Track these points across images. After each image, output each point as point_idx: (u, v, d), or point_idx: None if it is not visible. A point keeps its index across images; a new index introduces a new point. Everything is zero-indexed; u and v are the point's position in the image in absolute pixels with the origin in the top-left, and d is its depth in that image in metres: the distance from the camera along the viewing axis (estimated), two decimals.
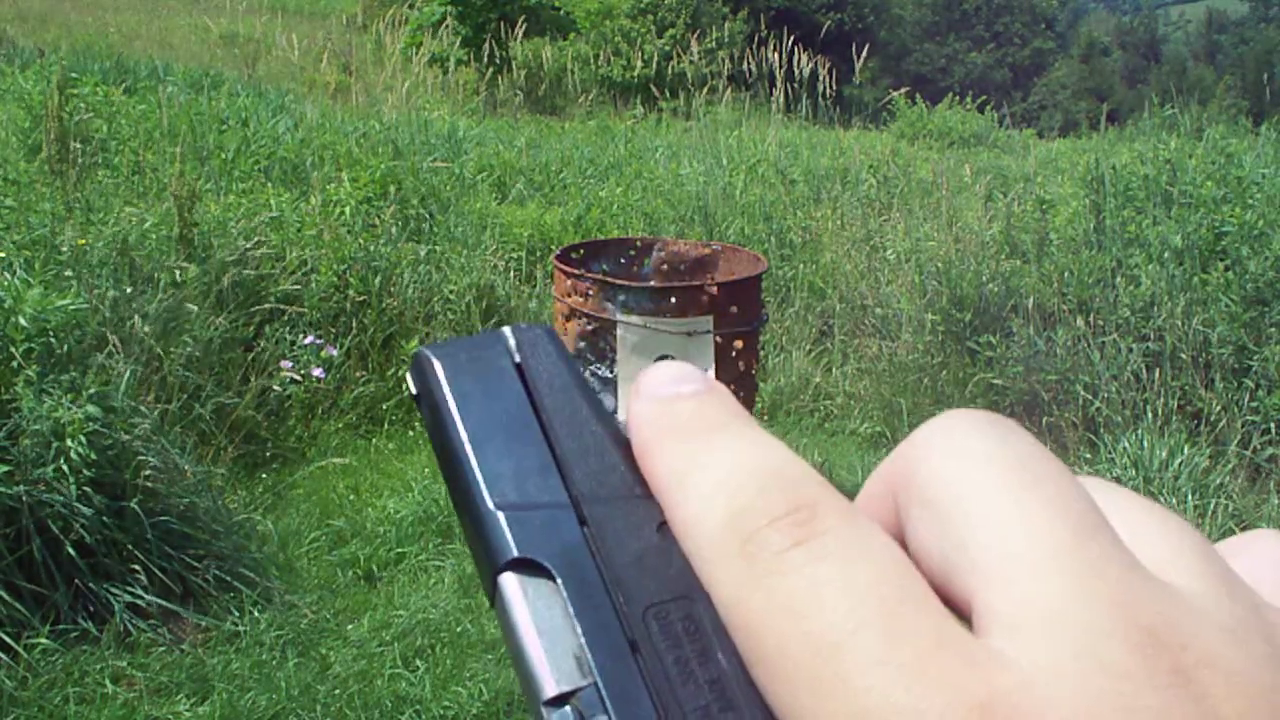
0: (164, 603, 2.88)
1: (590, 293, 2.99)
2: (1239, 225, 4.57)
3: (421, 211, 5.77)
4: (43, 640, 2.68)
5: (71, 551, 2.79)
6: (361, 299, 4.64)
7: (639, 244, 3.56)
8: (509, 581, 0.21)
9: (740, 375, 3.04)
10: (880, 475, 0.22)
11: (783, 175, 7.17)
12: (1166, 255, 4.71)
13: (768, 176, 7.14)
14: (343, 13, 16.07)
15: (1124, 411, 4.25)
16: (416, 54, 9.94)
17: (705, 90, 11.02)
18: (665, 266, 3.47)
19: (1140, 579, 0.18)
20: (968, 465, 0.20)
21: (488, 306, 4.93)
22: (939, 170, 6.70)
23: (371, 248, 4.89)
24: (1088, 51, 29.12)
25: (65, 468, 2.80)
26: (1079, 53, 28.72)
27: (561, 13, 15.91)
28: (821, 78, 9.48)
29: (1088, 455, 4.16)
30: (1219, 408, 4.17)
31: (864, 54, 10.27)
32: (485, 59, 11.94)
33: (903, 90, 12.92)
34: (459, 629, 2.98)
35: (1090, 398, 4.33)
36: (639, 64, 14.36)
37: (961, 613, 0.19)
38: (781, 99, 9.18)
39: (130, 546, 2.91)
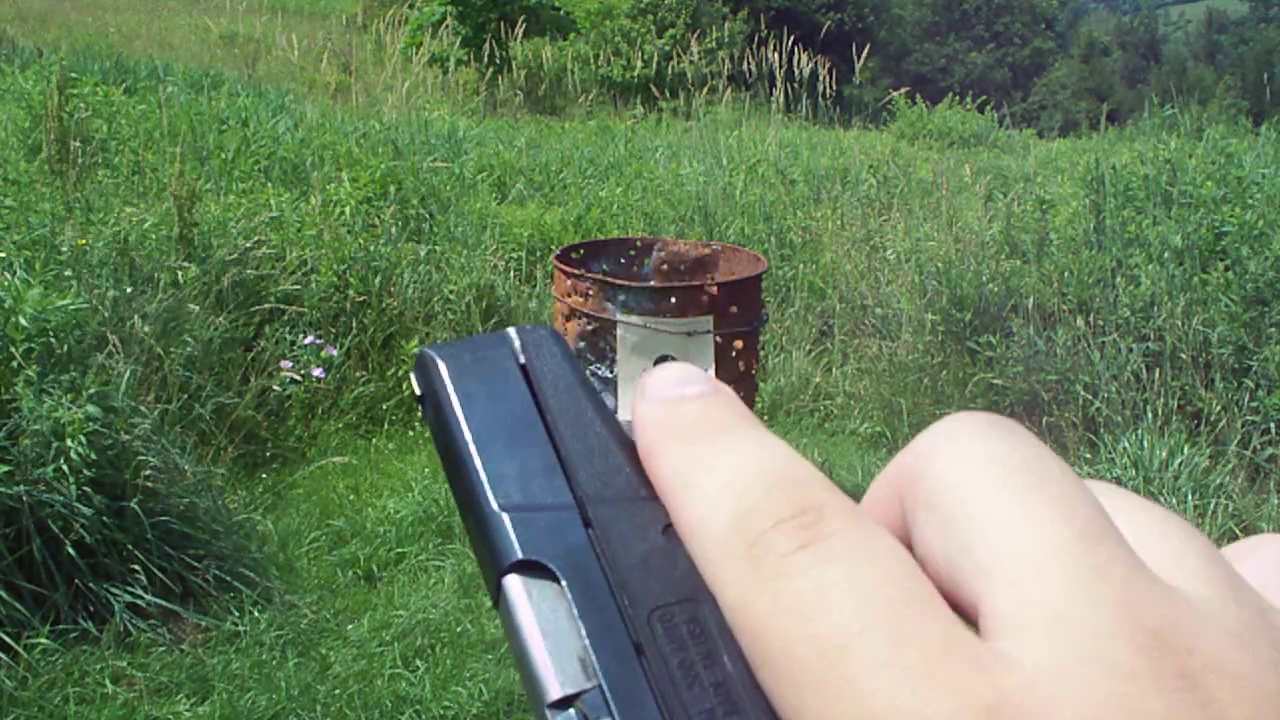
0: (164, 603, 2.88)
1: (590, 293, 2.99)
2: (1239, 225, 4.57)
3: (421, 211, 5.77)
4: (43, 640, 2.68)
5: (71, 551, 2.79)
6: (361, 299, 4.64)
7: (639, 244, 3.56)
8: (513, 583, 0.20)
9: (740, 375, 3.04)
10: (885, 478, 0.22)
11: (783, 175, 7.17)
12: (1166, 255, 4.72)
13: (768, 176, 7.14)
14: (343, 13, 16.07)
15: (1124, 411, 4.25)
16: (416, 54, 9.94)
17: (705, 90, 11.02)
18: (665, 266, 3.47)
19: (1146, 582, 0.18)
20: (973, 468, 0.20)
21: (488, 306, 4.93)
22: (939, 170, 6.70)
23: (371, 248, 4.89)
24: (1088, 51, 29.12)
25: (65, 468, 2.80)
26: (1079, 53, 28.73)
27: (561, 13, 15.92)
28: (821, 78, 9.48)
29: (1088, 455, 4.16)
30: (1219, 408, 4.17)
31: (864, 54, 10.27)
32: (485, 59, 11.94)
33: (903, 90, 12.92)
34: (459, 629, 2.98)
35: (1090, 398, 4.33)
36: (639, 64, 14.36)
37: (967, 616, 0.19)
38: (781, 99, 9.18)
39: (130, 546, 2.91)
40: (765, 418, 4.75)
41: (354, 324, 4.59)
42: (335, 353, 4.44)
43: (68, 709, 2.53)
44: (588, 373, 2.95)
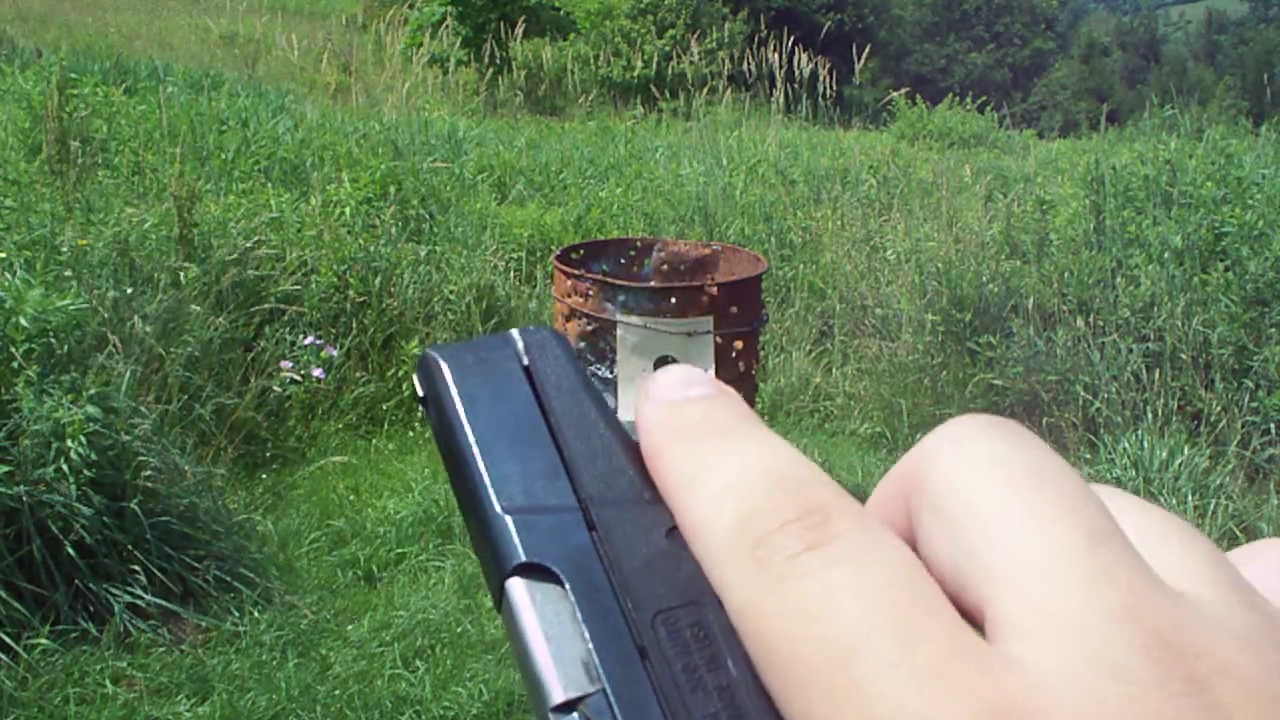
0: (164, 603, 2.88)
1: (590, 293, 2.99)
2: (1239, 225, 4.57)
3: (421, 212, 5.77)
4: (43, 640, 2.68)
5: (71, 552, 2.79)
6: (361, 299, 4.64)
7: (639, 244, 3.56)
8: (516, 586, 0.20)
9: (740, 375, 3.04)
10: (891, 481, 0.22)
11: (783, 175, 7.17)
12: (1166, 255, 4.72)
13: (768, 177, 7.14)
14: (343, 13, 16.07)
15: (1124, 412, 4.25)
16: (416, 54, 9.94)
17: (705, 90, 11.02)
18: (665, 267, 3.47)
19: (1153, 586, 0.18)
20: (979, 471, 0.20)
21: (488, 307, 4.93)
22: (939, 170, 6.70)
23: (371, 248, 4.89)
24: (1088, 52, 29.12)
25: (65, 468, 2.80)
26: (1079, 53, 28.73)
27: (561, 13, 15.91)
28: (821, 78, 9.48)
29: (1088, 455, 4.16)
30: (1219, 408, 4.17)
31: (864, 54, 10.27)
32: (485, 59, 11.95)
33: (903, 90, 12.92)
34: (459, 629, 2.98)
35: (1090, 398, 4.33)
36: (639, 64, 14.36)
37: (973, 620, 0.19)
38: (781, 99, 9.18)
39: (130, 547, 2.90)
40: (765, 418, 4.74)
41: (354, 324, 4.59)
42: (335, 353, 4.44)
43: (68, 709, 2.53)
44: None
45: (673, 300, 2.94)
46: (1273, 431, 4.05)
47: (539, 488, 0.21)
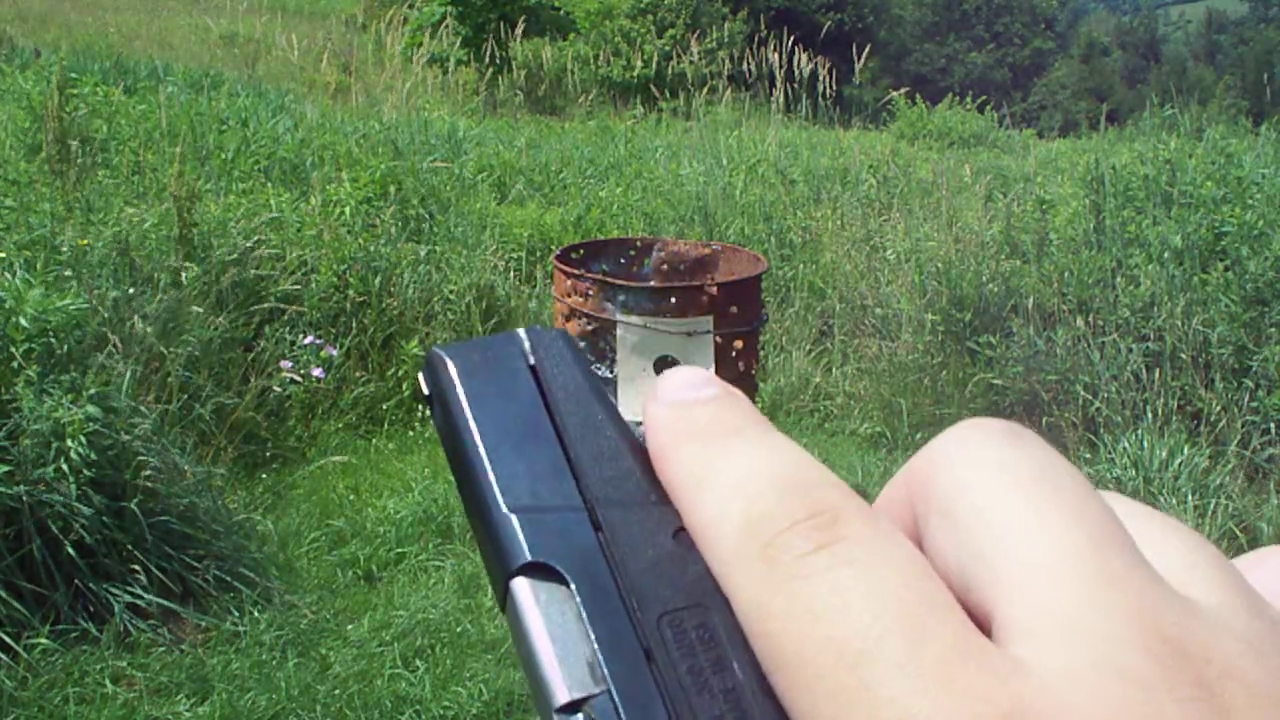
0: (164, 603, 2.88)
1: (590, 293, 2.99)
2: (1239, 225, 4.57)
3: (421, 211, 5.77)
4: (43, 640, 2.68)
5: (71, 551, 2.79)
6: (361, 299, 4.64)
7: (639, 244, 3.56)
8: (521, 586, 0.20)
9: (740, 375, 3.04)
10: (897, 484, 0.22)
11: (783, 175, 7.17)
12: (1166, 255, 4.71)
13: (768, 176, 7.14)
14: (343, 13, 16.07)
15: (1124, 411, 4.25)
16: (416, 54, 9.94)
17: (705, 90, 11.02)
18: (665, 266, 3.47)
19: (1160, 590, 0.18)
20: (985, 474, 0.20)
21: (488, 307, 4.93)
22: (939, 170, 6.70)
23: (371, 248, 4.89)
24: (1088, 51, 29.11)
25: (65, 468, 2.80)
26: (1079, 53, 28.72)
27: (561, 13, 15.91)
28: (821, 78, 9.47)
29: (1088, 455, 4.16)
30: (1219, 408, 4.17)
31: (864, 54, 10.26)
32: (485, 59, 11.94)
33: (903, 90, 12.92)
34: (459, 629, 2.98)
35: (1090, 398, 4.33)
36: (639, 64, 14.36)
37: (981, 623, 0.19)
38: (781, 99, 9.18)
39: (130, 546, 2.90)
40: (758, 410, 4.74)
41: (354, 324, 4.59)
42: (335, 353, 4.43)
43: (68, 709, 2.53)
44: None
45: (673, 300, 2.94)
46: (1273, 431, 4.05)
47: (545, 487, 0.21)
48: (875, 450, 4.53)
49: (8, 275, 3.37)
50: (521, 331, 0.24)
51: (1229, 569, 0.20)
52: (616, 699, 0.19)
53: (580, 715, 0.19)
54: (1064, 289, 4.79)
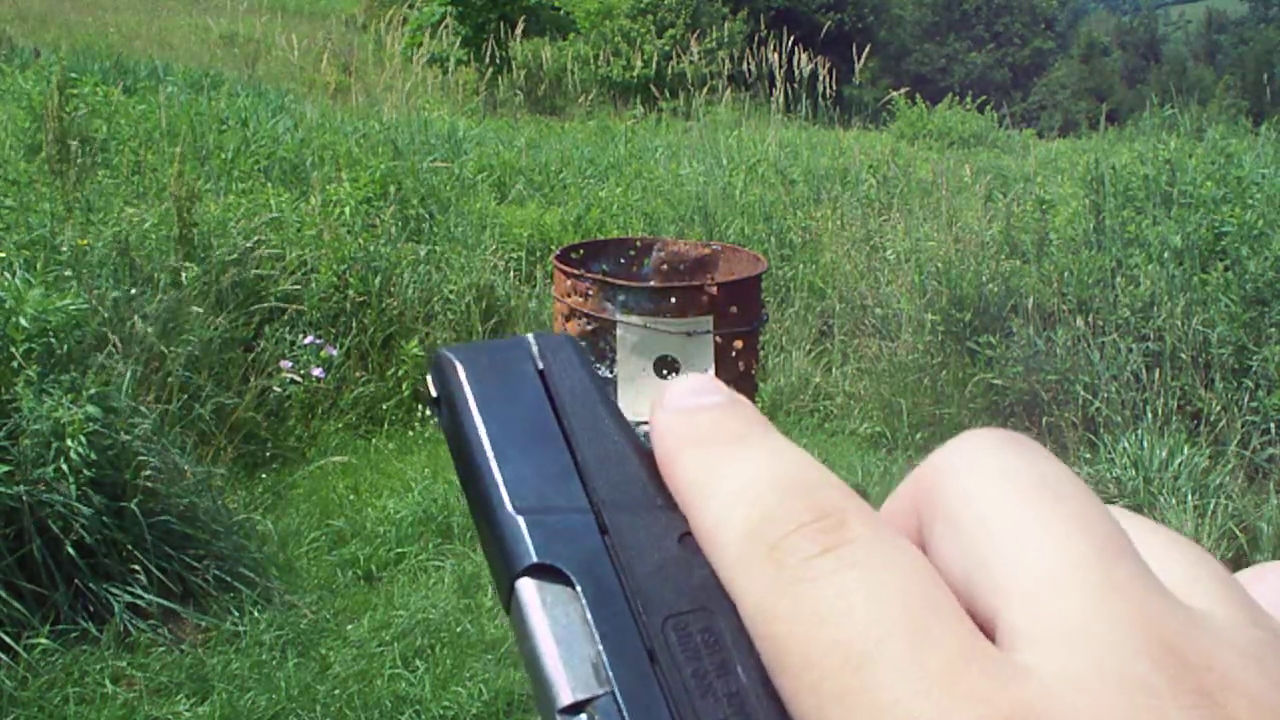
0: (164, 603, 2.88)
1: (590, 293, 2.99)
2: (1239, 225, 4.57)
3: (421, 211, 5.77)
4: (43, 640, 2.68)
5: (71, 551, 2.79)
6: (361, 299, 4.64)
7: (639, 244, 3.56)
8: (526, 587, 0.20)
9: (740, 375, 3.04)
10: (903, 492, 0.22)
11: (783, 175, 7.17)
12: (1166, 255, 4.71)
13: (768, 176, 7.14)
14: (343, 13, 16.07)
15: (1124, 411, 4.25)
16: (416, 54, 9.94)
17: (705, 90, 11.01)
18: (665, 266, 3.47)
19: (1163, 599, 0.18)
20: (990, 483, 0.20)
21: (488, 306, 4.93)
22: (939, 170, 6.70)
23: (371, 248, 4.89)
24: (1088, 51, 29.11)
25: (65, 468, 2.80)
26: (1079, 53, 28.71)
27: (561, 13, 15.91)
28: (821, 78, 9.47)
29: (1087, 455, 4.16)
30: (1219, 408, 4.17)
31: (864, 54, 10.26)
32: (485, 59, 11.94)
33: (902, 90, 12.92)
34: (459, 629, 2.98)
35: (1090, 398, 4.33)
36: (639, 64, 14.36)
37: (985, 630, 0.19)
38: (781, 99, 9.18)
39: (130, 546, 2.90)
40: (764, 416, 4.74)
41: (354, 324, 4.59)
42: (335, 353, 4.43)
43: (68, 709, 2.53)
44: None
45: (673, 300, 2.94)
46: (1273, 431, 4.05)
47: (551, 490, 0.21)
48: (875, 450, 4.53)
49: (8, 275, 3.37)
50: (530, 336, 0.24)
51: (1231, 581, 0.20)
52: (620, 701, 0.19)
53: (584, 716, 0.19)
54: (1064, 289, 4.79)
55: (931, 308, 4.90)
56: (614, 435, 0.23)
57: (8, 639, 2.64)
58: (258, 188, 5.54)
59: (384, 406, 4.40)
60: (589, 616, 0.20)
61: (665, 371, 2.95)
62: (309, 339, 4.38)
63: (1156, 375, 4.30)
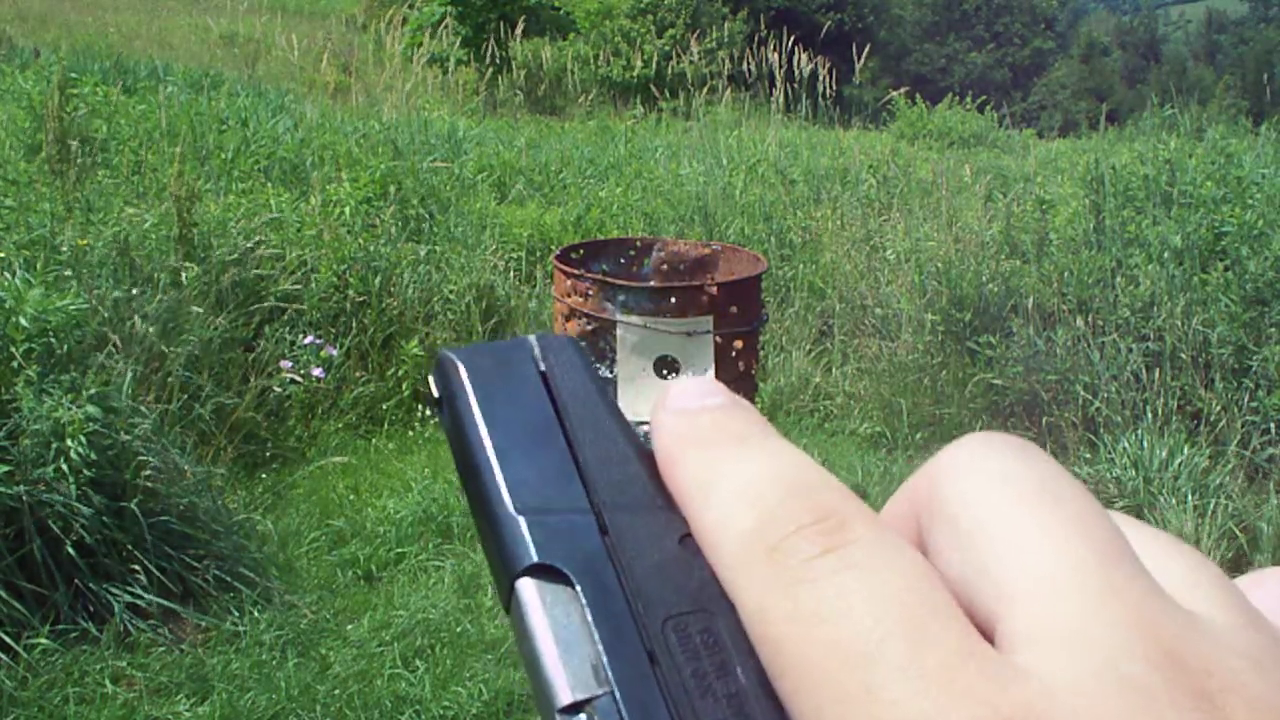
0: (164, 603, 2.88)
1: (590, 293, 2.98)
2: (1239, 225, 4.57)
3: (421, 211, 5.77)
4: (43, 640, 2.68)
5: (71, 551, 2.79)
6: (361, 299, 4.64)
7: (639, 244, 3.55)
8: (527, 587, 0.20)
9: (740, 375, 3.04)
10: (903, 496, 0.22)
11: (783, 175, 7.17)
12: (1166, 255, 4.71)
13: (768, 176, 7.14)
14: (343, 13, 16.07)
15: (1124, 411, 4.25)
16: (416, 54, 9.94)
17: (705, 90, 11.01)
18: (665, 266, 3.46)
19: (1163, 603, 0.19)
20: (990, 487, 0.20)
21: (488, 306, 4.93)
22: (939, 170, 6.70)
23: (371, 248, 4.89)
24: (1088, 51, 29.11)
25: (65, 468, 2.80)
26: (1079, 53, 28.71)
27: (561, 13, 15.91)
28: (821, 78, 9.47)
29: (1087, 455, 4.16)
30: (1219, 408, 4.17)
31: (864, 54, 10.26)
32: (485, 59, 11.94)
33: (902, 90, 12.92)
34: (459, 629, 2.98)
35: (1090, 398, 4.33)
36: (639, 64, 14.36)
37: (984, 633, 0.19)
38: (781, 99, 9.18)
39: (130, 546, 2.90)
40: (765, 417, 4.74)
41: (354, 324, 4.59)
42: (335, 353, 4.43)
43: (68, 709, 2.53)
44: None
45: (673, 300, 2.93)
46: (1273, 431, 4.04)
47: (552, 491, 0.22)
48: (875, 450, 4.53)
49: (8, 275, 3.37)
50: (532, 337, 0.24)
51: (1230, 586, 0.20)
52: (619, 700, 0.19)
53: (583, 716, 0.19)
54: (1064, 289, 4.79)
55: (931, 308, 4.90)
56: (615, 436, 0.23)
57: (8, 639, 2.64)
58: (258, 188, 5.54)
59: (384, 406, 4.40)
60: (589, 617, 0.20)
61: (665, 371, 2.95)
62: (309, 339, 4.38)
63: (1156, 375, 4.30)
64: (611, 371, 2.97)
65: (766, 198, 6.59)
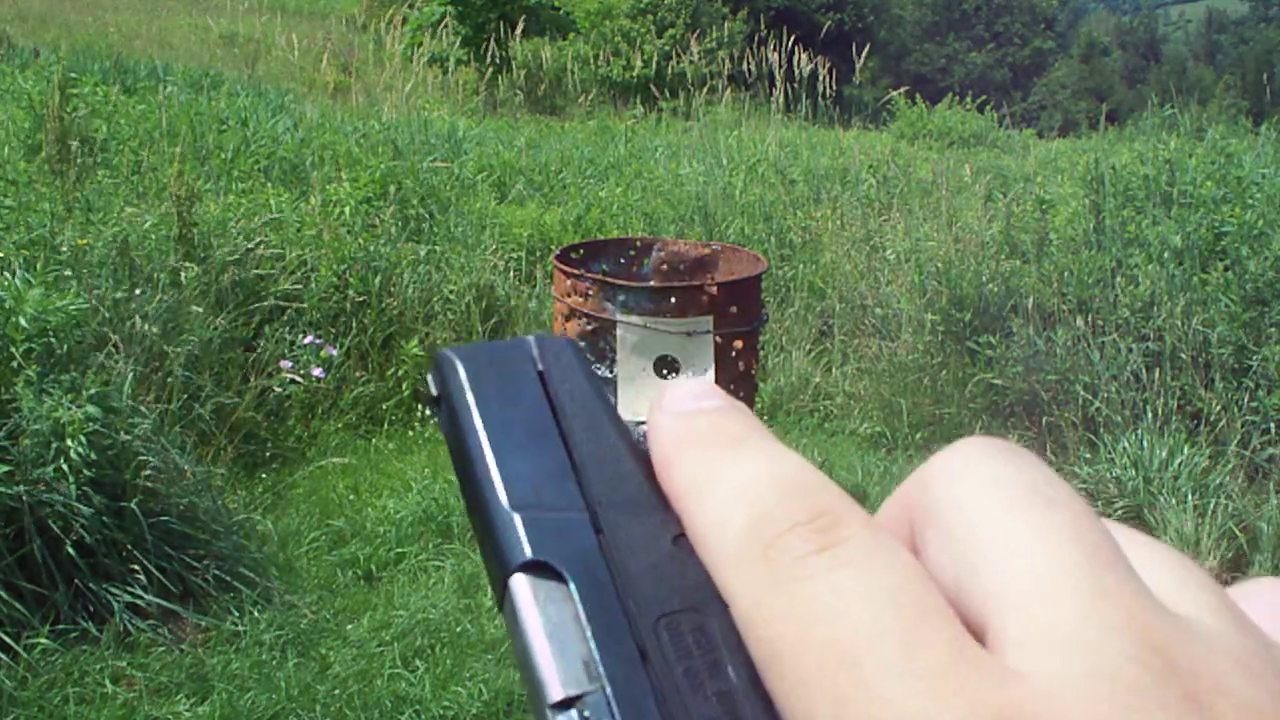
0: (164, 603, 2.88)
1: (590, 293, 2.99)
2: (1239, 225, 4.57)
3: (421, 211, 5.77)
4: (43, 640, 2.68)
5: (71, 551, 2.79)
6: (361, 299, 4.64)
7: (639, 244, 3.55)
8: (520, 583, 0.20)
9: (740, 375, 3.04)
10: (895, 500, 0.22)
11: (783, 175, 7.17)
12: (1166, 255, 4.71)
13: (768, 176, 7.14)
14: (343, 13, 16.08)
15: (1124, 411, 4.25)
16: (416, 54, 9.94)
17: (705, 90, 11.02)
18: (665, 266, 3.46)
19: (1154, 606, 0.19)
20: (982, 491, 0.20)
21: (488, 306, 4.93)
22: (939, 170, 6.70)
23: (371, 248, 4.89)
24: (1088, 51, 29.11)
25: (65, 468, 2.80)
26: (1079, 53, 28.72)
27: (561, 13, 15.92)
28: (821, 78, 9.47)
29: (1088, 455, 4.16)
30: (1219, 408, 4.17)
31: (864, 54, 10.27)
32: (485, 59, 11.94)
33: (902, 90, 12.92)
34: (459, 629, 2.98)
35: (1090, 398, 4.33)
36: (639, 64, 14.36)
37: (976, 636, 0.19)
38: (781, 99, 9.18)
39: (130, 546, 2.91)
40: (765, 418, 4.75)
41: (354, 324, 4.59)
42: (335, 353, 4.44)
43: (68, 709, 2.53)
44: None
45: (672, 300, 2.94)
46: (1273, 431, 4.05)
47: (548, 489, 0.22)
48: (875, 450, 4.53)
49: (8, 275, 3.37)
50: (530, 338, 0.24)
51: (1220, 592, 0.20)
52: (611, 697, 0.19)
53: (574, 712, 0.19)
54: (1064, 289, 4.79)
55: (931, 308, 4.90)
56: (611, 437, 0.23)
57: (8, 639, 2.64)
58: (258, 188, 5.54)
59: (384, 406, 4.40)
60: (581, 614, 0.20)
61: (665, 371, 2.95)
62: (309, 339, 4.39)
63: (1156, 375, 4.30)
64: (612, 371, 2.97)
65: (766, 198, 6.59)
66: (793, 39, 9.97)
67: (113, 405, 3.01)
